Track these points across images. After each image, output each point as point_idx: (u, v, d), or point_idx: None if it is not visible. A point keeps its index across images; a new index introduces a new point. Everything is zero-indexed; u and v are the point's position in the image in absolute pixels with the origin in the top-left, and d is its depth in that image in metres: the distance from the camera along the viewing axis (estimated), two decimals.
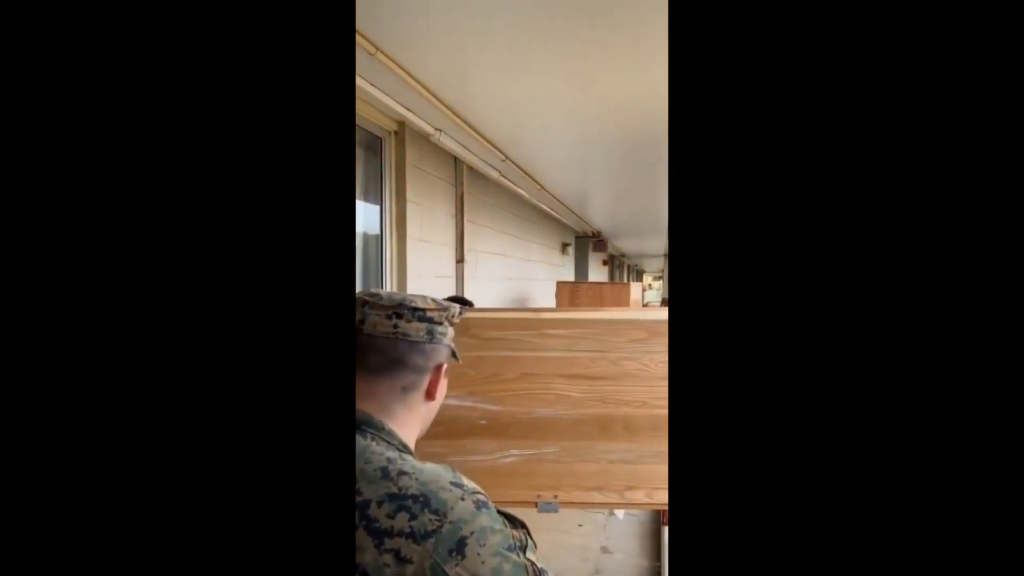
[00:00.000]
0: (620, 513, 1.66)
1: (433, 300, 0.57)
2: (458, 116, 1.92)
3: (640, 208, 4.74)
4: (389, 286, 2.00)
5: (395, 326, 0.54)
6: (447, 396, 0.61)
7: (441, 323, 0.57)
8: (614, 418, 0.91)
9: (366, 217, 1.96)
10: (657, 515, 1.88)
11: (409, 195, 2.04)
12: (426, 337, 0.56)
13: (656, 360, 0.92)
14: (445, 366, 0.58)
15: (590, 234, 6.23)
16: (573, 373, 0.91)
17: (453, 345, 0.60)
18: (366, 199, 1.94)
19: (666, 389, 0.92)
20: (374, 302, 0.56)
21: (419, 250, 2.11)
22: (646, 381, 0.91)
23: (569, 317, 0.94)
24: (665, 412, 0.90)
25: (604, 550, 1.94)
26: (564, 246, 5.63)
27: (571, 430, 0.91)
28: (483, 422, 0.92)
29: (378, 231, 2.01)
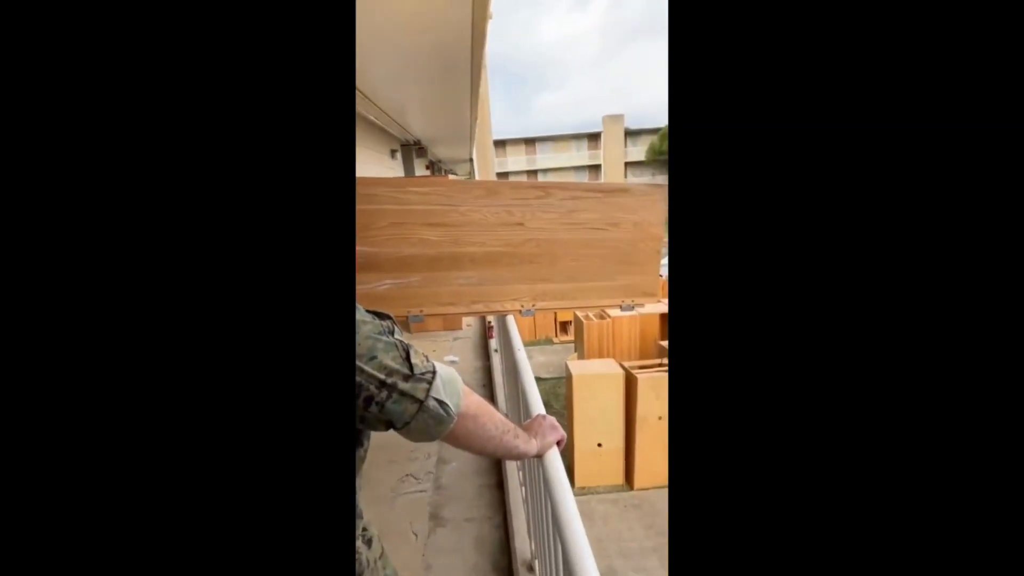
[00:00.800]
0: (453, 464, 2.12)
1: None
2: None
3: (448, 120, 5.15)
4: None
5: None
6: None
7: None
8: (463, 254, 1.24)
9: None
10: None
11: None
12: None
13: (491, 212, 1.24)
14: None
15: (412, 142, 6.75)
16: (432, 222, 1.20)
17: None
18: None
19: (498, 233, 1.31)
20: None
21: None
22: (486, 227, 1.24)
23: (426, 179, 1.26)
24: (496, 250, 1.31)
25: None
26: (392, 152, 5.99)
27: (431, 264, 1.22)
28: (362, 260, 1.17)
29: None
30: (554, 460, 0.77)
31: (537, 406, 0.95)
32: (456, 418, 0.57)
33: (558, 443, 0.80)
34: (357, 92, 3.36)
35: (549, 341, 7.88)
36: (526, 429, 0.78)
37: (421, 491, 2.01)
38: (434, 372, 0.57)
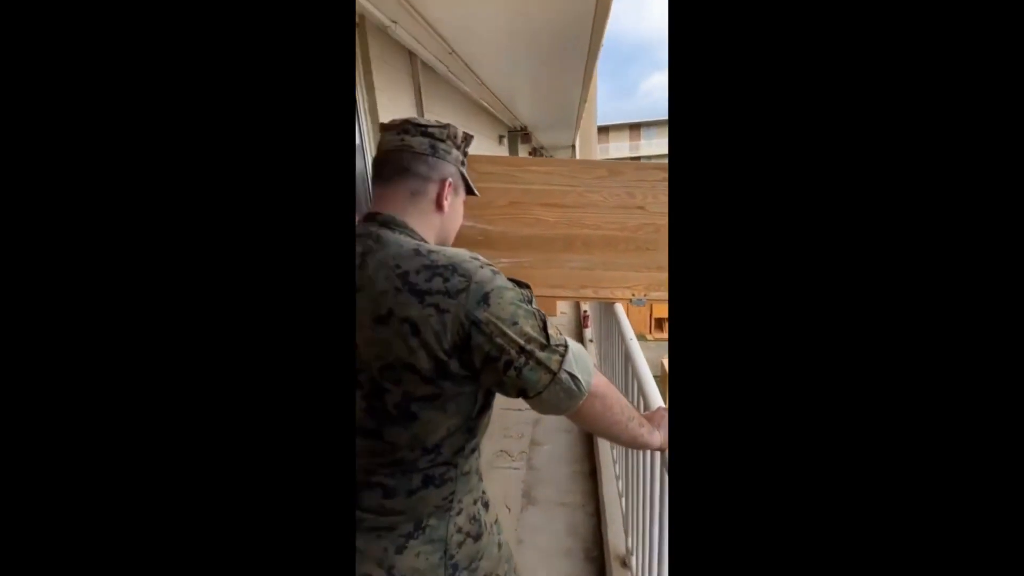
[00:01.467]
0: (546, 447, 2.14)
1: (436, 120, 0.64)
2: (411, 4, 2.01)
3: (557, 103, 5.07)
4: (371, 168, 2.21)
5: (402, 140, 0.62)
6: None
7: (443, 140, 0.63)
8: (576, 236, 1.22)
9: None
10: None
11: (377, 85, 2.15)
12: (429, 150, 0.62)
13: (611, 194, 1.20)
14: (451, 181, 0.64)
15: (518, 128, 6.79)
16: (548, 202, 1.20)
17: (464, 171, 0.67)
18: None
19: (615, 216, 1.27)
20: (388, 124, 0.64)
21: None
22: (603, 210, 1.20)
23: (546, 159, 1.25)
24: (611, 233, 1.27)
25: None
26: (500, 137, 6.09)
27: (544, 245, 1.22)
28: (480, 237, 1.20)
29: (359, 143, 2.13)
30: None
31: (656, 399, 0.91)
32: (586, 395, 0.57)
33: None
34: (473, 77, 3.49)
35: (643, 337, 7.55)
36: (648, 420, 0.74)
37: (515, 468, 2.07)
38: (566, 346, 0.56)
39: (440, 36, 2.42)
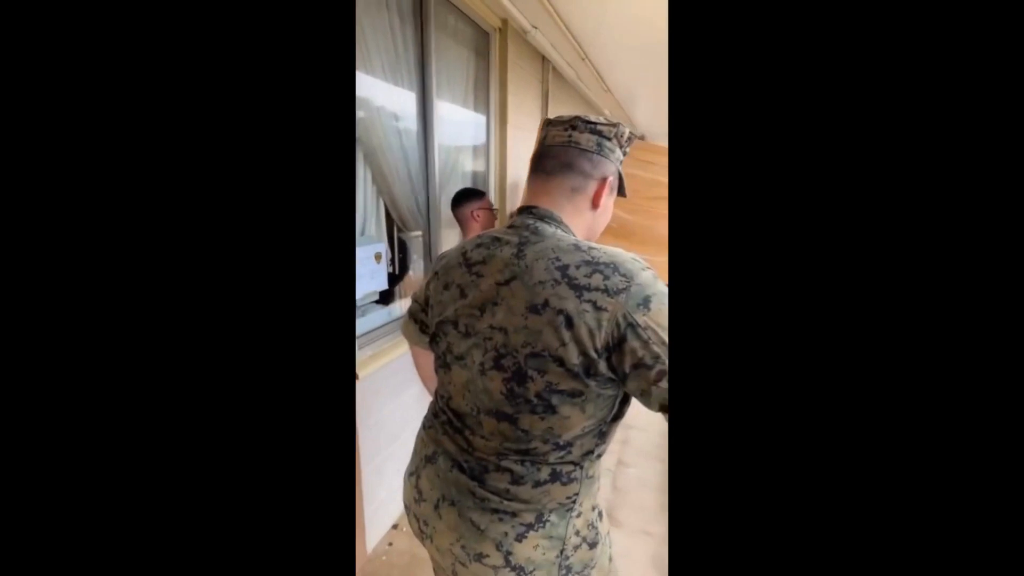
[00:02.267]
0: (632, 470, 1.97)
1: (605, 118, 0.63)
2: (554, 9, 2.05)
3: (665, 111, 4.81)
4: (493, 165, 2.30)
5: (569, 136, 0.61)
6: None
7: (610, 139, 0.62)
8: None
9: (475, 131, 2.19)
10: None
11: (510, 87, 2.24)
12: (595, 148, 0.61)
13: None
14: (611, 180, 0.63)
15: (637, 136, 6.93)
16: None
17: (621, 170, 0.65)
18: (475, 108, 2.15)
19: None
20: (555, 119, 0.64)
21: (515, 136, 2.36)
22: None
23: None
24: None
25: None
26: None
27: None
28: (614, 225, 1.14)
29: (484, 140, 2.25)
30: None
31: None
32: None
33: None
34: (600, 83, 3.48)
35: None
36: None
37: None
38: None
39: (576, 41, 2.44)
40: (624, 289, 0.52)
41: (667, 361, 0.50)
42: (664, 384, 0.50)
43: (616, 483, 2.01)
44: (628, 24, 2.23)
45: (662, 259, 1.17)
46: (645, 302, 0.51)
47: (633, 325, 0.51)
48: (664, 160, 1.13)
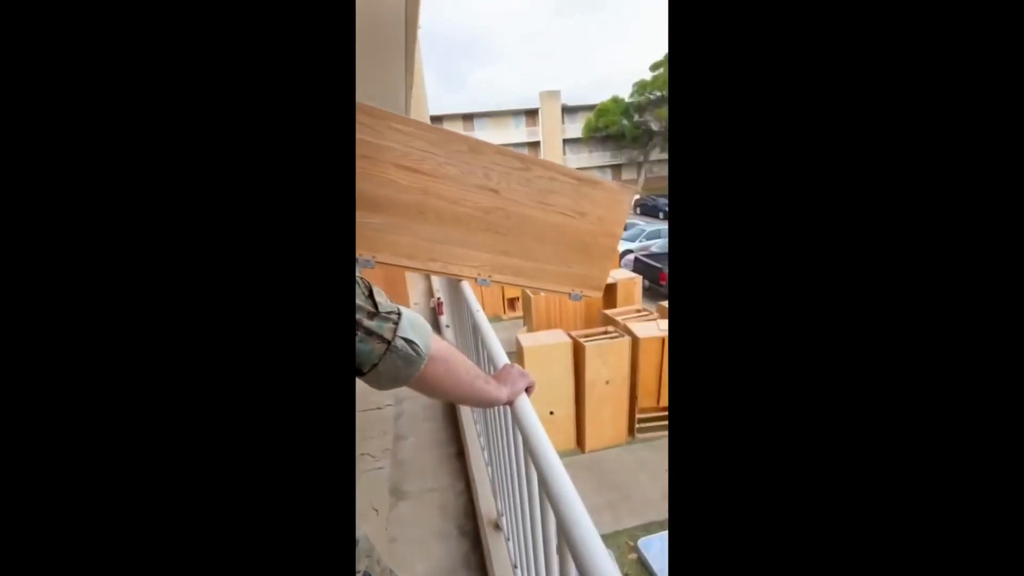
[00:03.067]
0: (411, 439, 2.08)
1: None
2: None
3: (380, 95, 4.91)
4: None
5: None
6: None
7: None
8: (429, 207, 1.16)
9: None
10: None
11: None
12: None
13: (468, 170, 1.16)
14: None
15: None
16: (405, 164, 1.11)
17: None
18: None
19: (470, 194, 1.24)
20: None
21: None
22: (459, 185, 1.17)
23: (409, 120, 1.10)
24: (466, 211, 1.24)
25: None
26: None
27: (394, 209, 1.14)
28: None
29: None
30: (524, 403, 0.76)
31: (502, 358, 0.93)
32: (426, 359, 0.55)
33: (527, 389, 0.79)
34: None
35: (499, 318, 7.91)
36: (495, 379, 0.77)
37: (379, 468, 1.95)
38: (399, 312, 0.54)
39: None
40: None
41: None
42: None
43: (397, 458, 2.03)
44: None
45: (378, 220, 1.17)
46: None
47: None
48: (366, 116, 1.12)
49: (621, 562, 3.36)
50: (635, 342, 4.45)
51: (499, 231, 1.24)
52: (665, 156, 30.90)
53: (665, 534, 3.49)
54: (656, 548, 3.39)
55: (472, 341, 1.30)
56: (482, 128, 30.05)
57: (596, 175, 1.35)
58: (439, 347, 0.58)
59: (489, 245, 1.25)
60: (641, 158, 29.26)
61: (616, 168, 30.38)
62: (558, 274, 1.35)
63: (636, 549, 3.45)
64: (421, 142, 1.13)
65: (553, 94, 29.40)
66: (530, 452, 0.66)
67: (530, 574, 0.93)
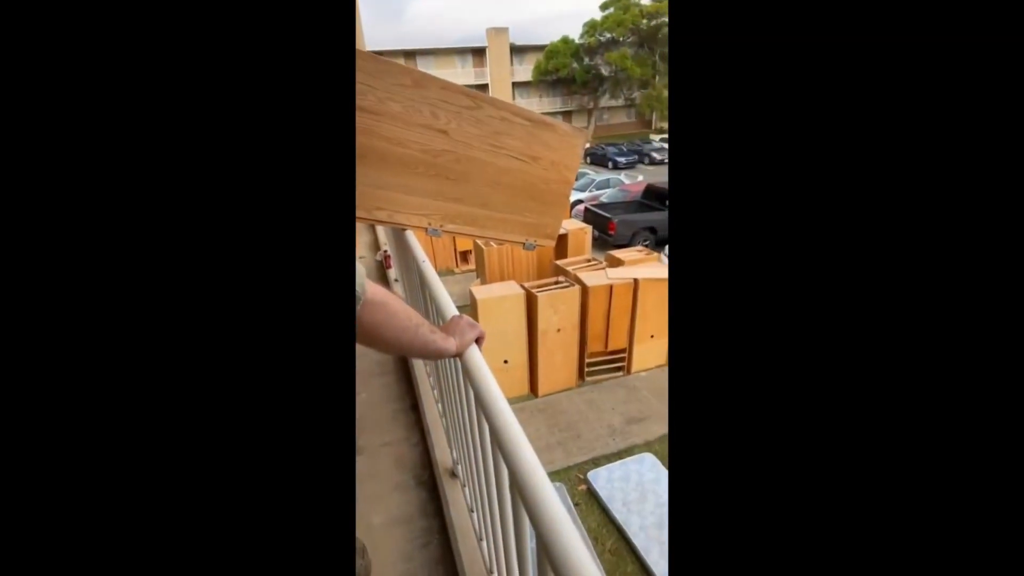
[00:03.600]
0: (363, 395, 2.01)
1: None
2: None
3: None
4: None
5: None
6: None
7: None
8: (371, 148, 1.05)
9: None
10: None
11: None
12: None
13: (413, 107, 1.05)
14: None
15: None
16: None
17: None
18: None
19: (416, 134, 1.13)
20: None
21: None
22: (405, 124, 1.06)
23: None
24: (412, 153, 1.13)
25: None
26: None
27: None
28: None
29: None
30: (475, 355, 0.74)
31: (451, 310, 0.90)
32: (362, 301, 0.53)
33: (477, 340, 0.77)
34: None
35: (451, 272, 7.80)
36: (443, 330, 0.74)
37: None
38: None
39: None
40: None
41: None
42: None
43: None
44: None
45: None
46: None
47: None
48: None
49: (572, 492, 3.63)
50: (585, 291, 4.57)
51: (449, 177, 1.16)
52: (614, 103, 30.65)
53: (611, 466, 3.79)
54: (603, 479, 3.69)
55: (421, 295, 1.25)
56: (425, 67, 28.04)
57: (548, 118, 1.28)
58: (375, 291, 0.56)
59: (439, 192, 1.17)
60: (591, 104, 28.83)
61: (567, 115, 29.80)
62: (511, 223, 1.30)
63: (586, 481, 3.73)
64: (360, 74, 1.00)
65: (501, 32, 27.76)
66: (481, 405, 0.65)
67: (485, 516, 0.95)
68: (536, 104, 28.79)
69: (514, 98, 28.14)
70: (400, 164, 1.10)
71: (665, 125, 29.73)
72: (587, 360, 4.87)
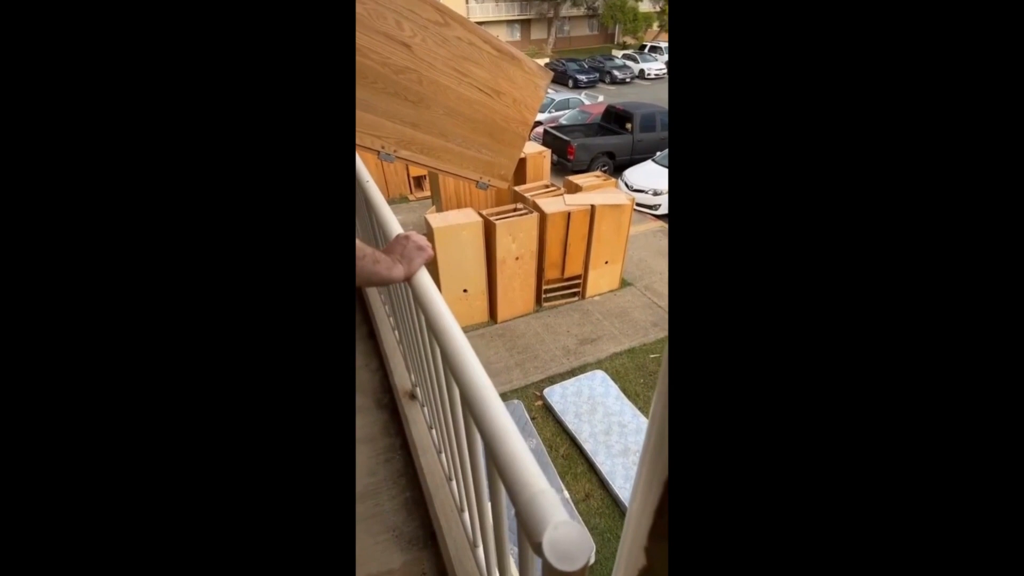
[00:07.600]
0: None
1: None
2: None
3: None
4: None
5: None
6: None
7: None
8: (369, 70, 0.96)
9: None
10: None
11: None
12: None
13: (375, 12, 0.93)
14: None
15: None
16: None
17: None
18: None
19: (377, 44, 0.99)
20: None
21: None
22: (362, 27, 0.93)
23: None
24: (371, 64, 1.00)
25: None
26: None
27: None
28: None
29: None
30: (424, 281, 0.73)
31: (395, 230, 0.87)
32: None
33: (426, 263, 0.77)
34: None
35: (404, 199, 7.48)
36: (387, 253, 0.72)
37: None
38: None
39: None
40: None
41: None
42: None
43: None
44: None
45: None
46: None
47: None
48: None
49: (529, 408, 3.91)
50: (543, 218, 4.56)
51: (409, 98, 1.07)
52: (576, 12, 28.47)
53: (565, 383, 4.07)
54: (557, 395, 3.97)
55: (367, 219, 1.20)
56: None
57: (516, 50, 1.17)
58: None
59: (396, 114, 1.08)
60: (551, 13, 26.69)
61: (525, 24, 27.57)
62: (467, 158, 1.24)
63: (542, 397, 4.01)
64: None
65: None
66: (432, 329, 0.66)
67: (442, 431, 1.01)
68: (492, 10, 26.32)
69: (467, 2, 25.49)
70: (357, 75, 1.00)
71: (628, 40, 28.22)
72: (544, 286, 5.00)
